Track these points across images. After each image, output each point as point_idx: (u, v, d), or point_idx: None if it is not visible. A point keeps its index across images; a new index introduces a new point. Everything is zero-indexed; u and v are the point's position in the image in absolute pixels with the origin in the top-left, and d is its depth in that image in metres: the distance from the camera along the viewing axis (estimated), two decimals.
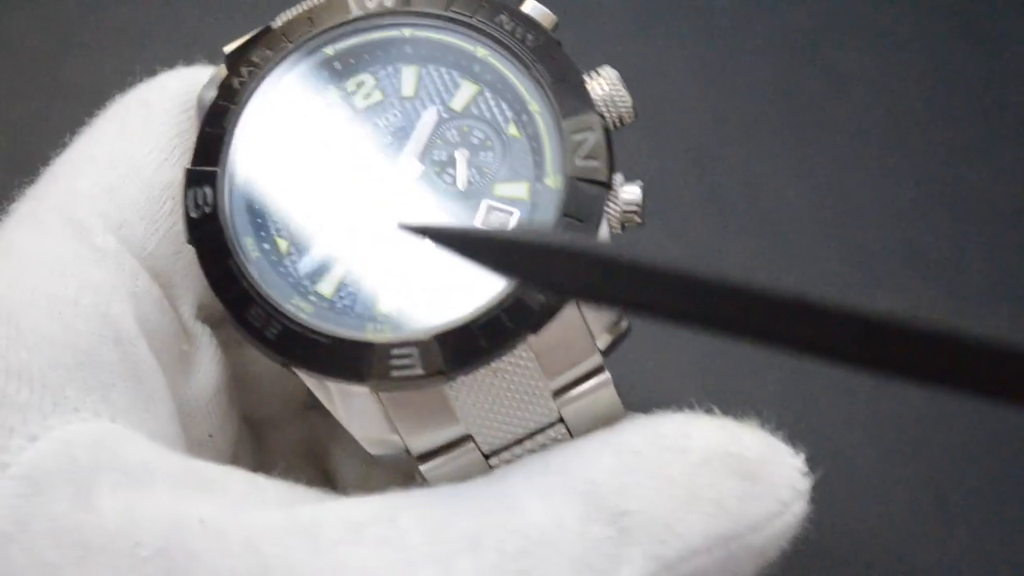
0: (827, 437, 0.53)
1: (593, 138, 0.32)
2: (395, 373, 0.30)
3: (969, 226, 0.58)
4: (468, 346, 0.30)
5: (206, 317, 0.36)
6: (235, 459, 0.39)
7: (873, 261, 0.57)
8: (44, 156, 0.36)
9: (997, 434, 0.53)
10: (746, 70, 0.61)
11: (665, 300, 0.23)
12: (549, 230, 0.31)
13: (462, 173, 0.34)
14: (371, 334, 0.31)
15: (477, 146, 0.34)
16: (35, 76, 0.60)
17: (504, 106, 0.34)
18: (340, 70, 0.35)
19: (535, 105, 0.33)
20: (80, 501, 0.29)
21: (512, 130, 0.34)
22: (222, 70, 0.35)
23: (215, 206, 0.33)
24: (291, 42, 0.35)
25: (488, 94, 0.34)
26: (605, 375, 0.33)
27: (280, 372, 0.34)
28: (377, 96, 0.35)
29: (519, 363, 0.32)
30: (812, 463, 0.32)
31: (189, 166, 0.34)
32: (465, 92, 0.35)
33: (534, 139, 0.33)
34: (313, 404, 0.34)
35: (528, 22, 0.34)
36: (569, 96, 0.33)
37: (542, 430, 0.33)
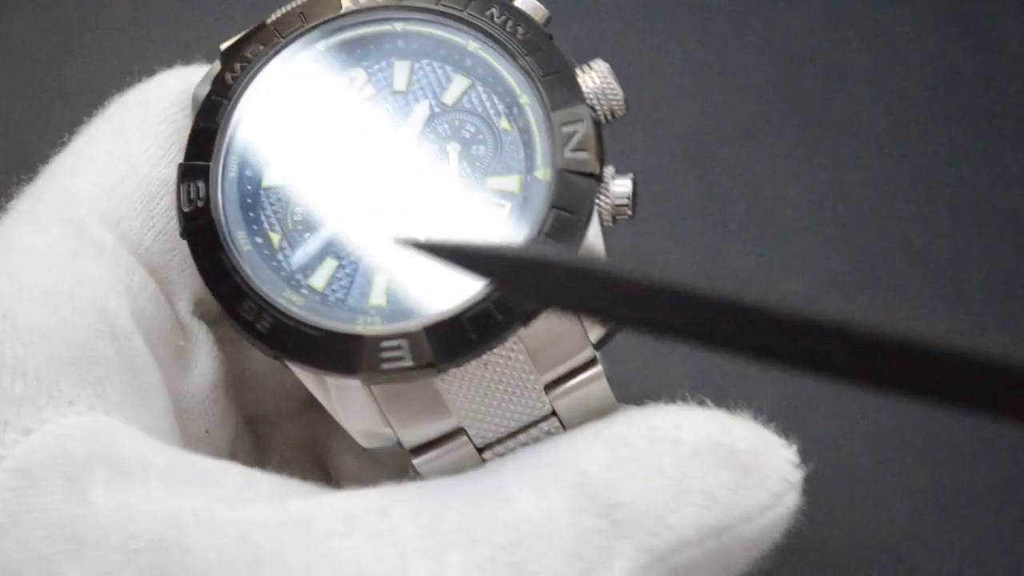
0: (827, 437, 0.53)
1: (583, 130, 0.32)
2: (385, 365, 0.30)
3: (969, 226, 0.58)
4: (458, 339, 0.30)
5: (203, 314, 0.36)
6: (233, 456, 0.39)
7: (873, 261, 0.57)
8: (44, 155, 0.36)
9: (997, 436, 0.53)
10: (746, 69, 0.61)
11: (665, 318, 0.23)
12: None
13: (454, 167, 0.34)
14: (361, 327, 0.31)
15: (469, 140, 0.34)
16: (35, 76, 0.60)
17: (495, 99, 0.34)
18: (332, 64, 0.35)
19: (526, 98, 0.33)
20: (74, 494, 0.29)
21: (503, 123, 0.34)
22: (216, 66, 0.35)
23: (208, 200, 0.33)
24: (283, 37, 0.35)
25: (480, 87, 0.34)
26: (597, 368, 0.33)
27: (279, 369, 0.34)
28: (369, 90, 0.35)
29: (510, 356, 0.32)
30: (806, 456, 0.32)
31: (182, 161, 0.34)
32: (457, 86, 0.35)
33: (525, 132, 0.33)
34: (313, 402, 0.34)
35: (519, 15, 0.34)
36: (559, 88, 0.33)
37: (535, 423, 0.33)
